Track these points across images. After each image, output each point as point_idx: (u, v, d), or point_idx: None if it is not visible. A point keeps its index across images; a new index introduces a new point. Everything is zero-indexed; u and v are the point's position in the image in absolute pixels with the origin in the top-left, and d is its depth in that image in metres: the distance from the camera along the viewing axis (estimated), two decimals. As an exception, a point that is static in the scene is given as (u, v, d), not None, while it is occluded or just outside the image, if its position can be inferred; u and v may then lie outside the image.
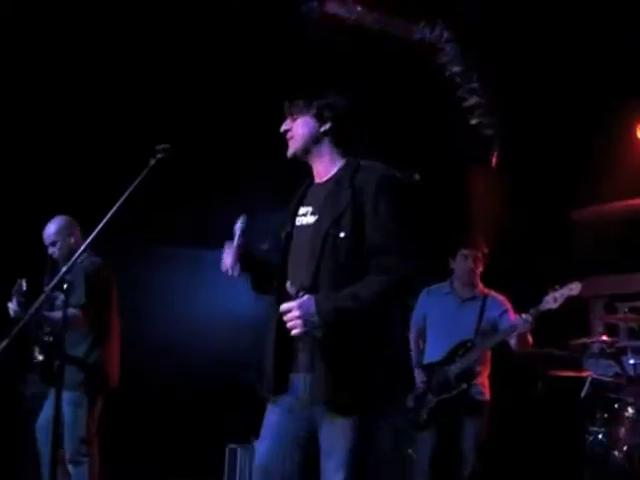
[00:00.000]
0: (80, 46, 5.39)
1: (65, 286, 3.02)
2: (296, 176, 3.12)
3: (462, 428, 4.52)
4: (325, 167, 2.88)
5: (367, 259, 2.66)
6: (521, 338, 4.46)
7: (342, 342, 2.60)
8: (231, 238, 2.89)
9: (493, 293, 4.72)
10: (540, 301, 4.30)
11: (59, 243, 4.69)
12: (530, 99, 5.68)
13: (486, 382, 4.65)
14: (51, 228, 4.72)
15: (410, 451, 4.96)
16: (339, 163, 2.86)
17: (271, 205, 6.96)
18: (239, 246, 2.86)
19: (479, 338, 4.54)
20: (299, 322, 2.55)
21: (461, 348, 4.54)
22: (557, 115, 5.68)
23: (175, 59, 5.59)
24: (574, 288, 4.22)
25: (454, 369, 4.51)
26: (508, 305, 4.65)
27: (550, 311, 4.28)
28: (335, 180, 2.82)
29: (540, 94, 5.64)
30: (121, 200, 2.86)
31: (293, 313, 2.56)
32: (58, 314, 4.34)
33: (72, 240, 4.70)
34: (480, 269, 4.73)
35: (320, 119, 2.85)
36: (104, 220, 2.87)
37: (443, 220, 6.07)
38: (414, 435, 4.73)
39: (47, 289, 3.16)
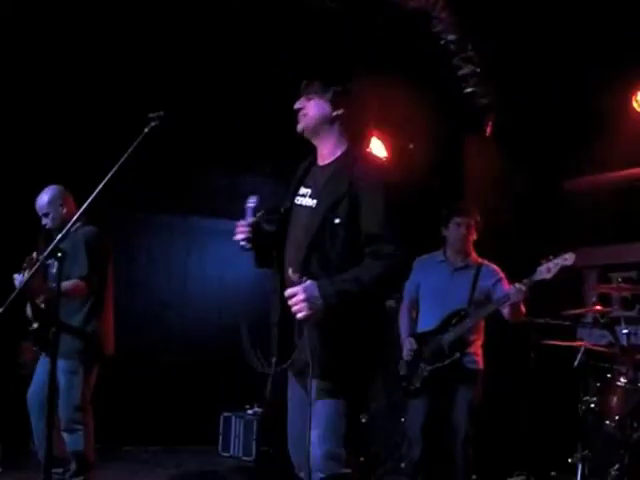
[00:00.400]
0: (77, 18, 5.33)
1: (59, 254, 3.00)
2: (291, 150, 3.16)
3: (455, 396, 4.55)
4: (330, 151, 3.00)
5: (364, 246, 2.81)
6: (514, 308, 4.47)
7: (336, 323, 2.77)
8: (242, 215, 3.00)
9: (486, 262, 4.73)
10: (534, 271, 4.29)
11: (52, 214, 4.65)
12: (526, 67, 5.65)
13: (479, 351, 4.67)
14: (44, 198, 4.67)
15: (402, 419, 4.99)
16: (342, 148, 2.99)
17: (262, 175, 7.01)
18: (250, 224, 2.97)
19: (472, 307, 4.54)
20: (304, 305, 2.68)
21: (454, 317, 4.55)
22: (553, 84, 5.65)
23: (170, 28, 5.54)
24: (568, 258, 4.22)
25: (447, 338, 4.52)
26: (502, 274, 4.66)
27: (544, 281, 4.28)
28: (336, 166, 2.96)
29: (536, 62, 5.61)
30: (115, 168, 2.84)
31: (298, 297, 2.69)
32: (66, 284, 4.37)
33: (65, 210, 4.67)
34: (473, 237, 4.73)
35: (334, 104, 2.96)
36: (98, 188, 2.86)
37: (437, 189, 6.07)
38: (406, 403, 4.75)
39: (41, 257, 3.14)
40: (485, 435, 4.76)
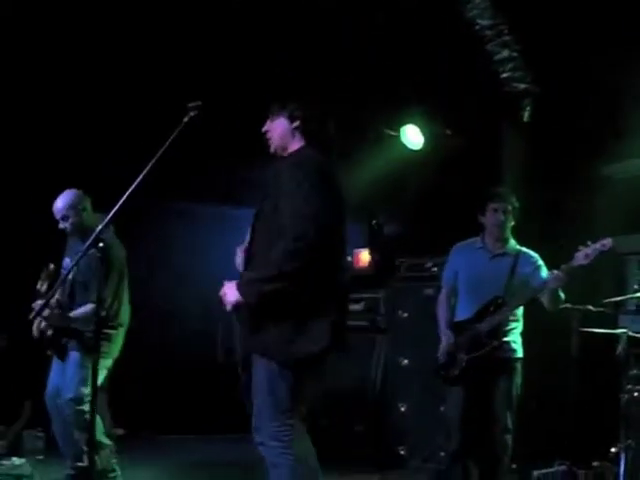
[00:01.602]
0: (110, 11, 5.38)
1: (101, 245, 3.03)
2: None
3: (494, 385, 4.54)
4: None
5: (280, 229, 3.15)
6: (553, 295, 4.44)
7: (264, 306, 3.16)
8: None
9: (525, 249, 4.70)
10: (572, 258, 4.26)
11: (71, 218, 4.64)
12: (563, 51, 5.58)
13: (518, 339, 4.65)
14: (62, 202, 4.66)
15: (442, 408, 4.99)
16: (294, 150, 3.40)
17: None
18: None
19: (510, 295, 4.51)
20: (226, 300, 3.21)
21: (492, 305, 4.54)
22: (591, 67, 5.58)
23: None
24: (606, 244, 4.19)
25: (484, 326, 4.51)
26: (540, 262, 4.63)
27: (582, 267, 4.24)
28: (280, 165, 3.37)
29: (573, 46, 5.53)
30: (155, 158, 2.87)
31: (223, 294, 3.22)
32: (81, 311, 4.51)
33: (83, 214, 4.66)
34: (511, 223, 4.70)
35: (291, 118, 3.38)
36: (138, 179, 2.88)
37: (474, 175, 6.03)
38: (445, 393, 4.74)
39: (81, 252, 3.17)
40: (525, 424, 4.74)
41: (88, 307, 4.53)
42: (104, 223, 3.13)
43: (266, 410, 3.18)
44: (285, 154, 3.42)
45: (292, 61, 5.76)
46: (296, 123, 3.39)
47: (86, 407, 4.48)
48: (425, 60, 5.79)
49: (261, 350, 3.20)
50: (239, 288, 3.17)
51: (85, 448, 4.58)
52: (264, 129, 3.44)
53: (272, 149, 3.44)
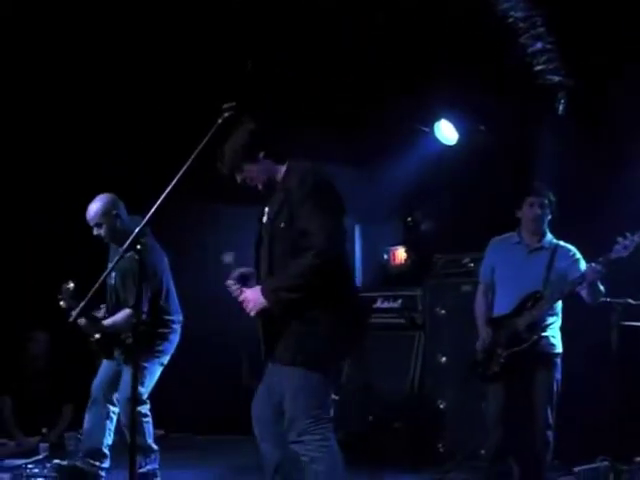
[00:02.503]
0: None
1: (139, 247, 3.08)
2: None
3: (533, 381, 4.53)
4: (279, 178, 3.53)
5: (299, 241, 3.30)
6: (592, 288, 4.41)
7: (291, 315, 3.32)
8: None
9: (562, 243, 4.67)
10: (610, 250, 4.22)
11: (105, 224, 4.61)
12: (597, 43, 5.52)
13: (557, 334, 4.62)
14: (95, 209, 4.61)
15: (483, 405, 4.97)
16: (282, 171, 3.53)
17: (336, 160, 7.03)
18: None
19: (548, 289, 4.49)
20: (251, 305, 3.35)
21: (530, 300, 4.53)
22: (625, 59, 5.51)
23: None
24: None
25: (523, 321, 4.51)
26: (578, 255, 4.61)
27: (621, 259, 4.21)
28: (280, 186, 3.49)
29: (608, 37, 5.47)
30: (191, 158, 2.91)
31: (246, 299, 3.36)
32: (118, 318, 4.60)
33: (118, 219, 4.63)
34: (548, 217, 4.67)
35: (252, 156, 3.48)
36: (175, 179, 2.92)
37: (509, 171, 6.00)
38: (483, 389, 4.73)
39: (121, 250, 3.22)
40: (567, 420, 4.70)
41: (124, 313, 4.60)
42: (141, 226, 3.17)
43: (301, 407, 3.32)
44: (277, 181, 3.52)
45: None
46: (261, 155, 3.49)
47: (142, 408, 4.57)
48: (458, 55, 5.77)
49: (293, 360, 3.34)
50: (265, 294, 3.32)
51: (105, 451, 4.70)
52: (240, 182, 3.54)
53: (261, 187, 3.54)
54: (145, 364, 4.58)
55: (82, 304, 3.69)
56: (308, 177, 3.40)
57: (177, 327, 4.83)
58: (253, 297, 3.35)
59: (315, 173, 3.44)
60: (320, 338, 3.31)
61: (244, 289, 3.42)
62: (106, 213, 4.62)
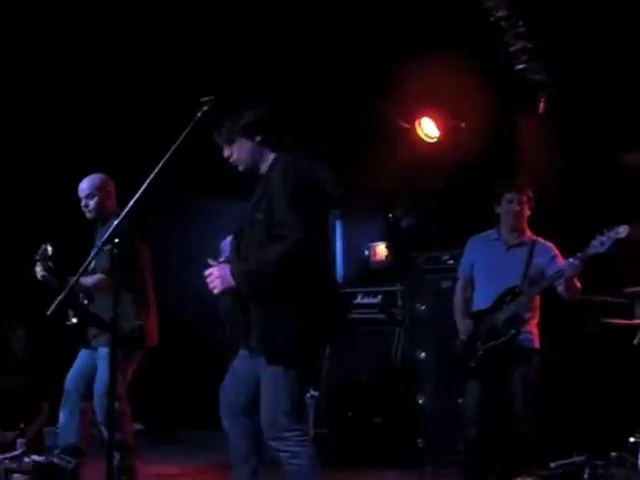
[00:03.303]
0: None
1: (117, 240, 3.07)
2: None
3: (511, 376, 4.56)
4: (266, 165, 3.51)
5: (276, 232, 3.28)
6: (569, 284, 4.44)
7: (266, 306, 3.30)
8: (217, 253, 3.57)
9: (541, 239, 4.70)
10: (588, 245, 4.25)
11: (96, 197, 4.65)
12: (578, 42, 5.55)
13: (535, 330, 4.67)
14: (91, 180, 4.69)
15: (460, 400, 4.99)
16: (270, 161, 3.50)
17: (317, 156, 7.01)
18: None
19: (526, 284, 4.52)
20: (218, 282, 3.27)
21: (508, 294, 4.56)
22: (607, 57, 5.55)
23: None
24: (621, 231, 4.19)
25: (502, 316, 4.54)
26: (556, 251, 4.64)
27: (598, 255, 4.23)
28: (263, 177, 3.49)
29: (589, 36, 5.50)
30: (169, 153, 2.90)
31: (213, 274, 3.28)
32: (88, 279, 4.50)
33: (109, 197, 4.70)
34: (526, 213, 4.71)
35: (250, 135, 3.46)
36: (154, 172, 2.91)
37: (491, 167, 6.02)
38: (463, 384, 4.74)
39: (99, 243, 3.21)
40: (544, 415, 4.73)
41: (97, 276, 4.53)
42: (119, 219, 3.16)
43: (281, 405, 3.32)
44: (261, 170, 3.51)
45: (292, 60, 5.78)
46: (258, 138, 3.47)
47: (117, 404, 4.53)
48: (440, 52, 5.78)
49: (273, 358, 3.33)
50: (234, 274, 3.26)
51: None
52: (226, 155, 3.51)
53: (242, 169, 3.52)
54: (121, 360, 4.54)
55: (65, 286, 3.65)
56: (290, 171, 3.39)
57: (151, 323, 4.79)
58: (220, 274, 3.28)
59: (298, 168, 3.43)
60: (291, 336, 3.29)
61: (212, 263, 3.37)
62: (101, 187, 4.68)
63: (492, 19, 5.83)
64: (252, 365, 3.44)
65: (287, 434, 3.32)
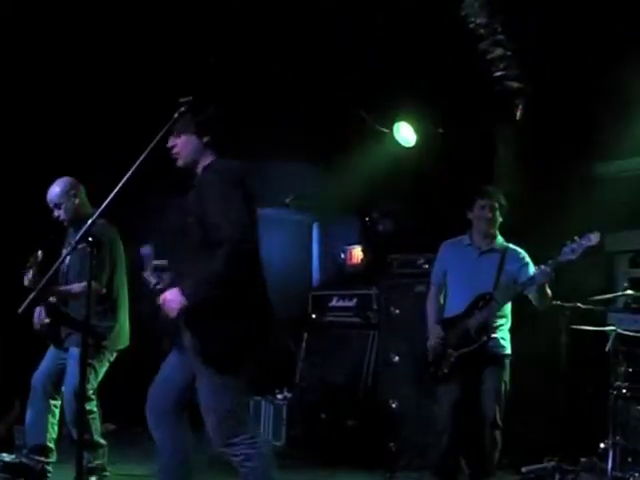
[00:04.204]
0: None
1: (90, 239, 3.05)
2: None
3: (482, 381, 4.59)
4: (199, 170, 3.53)
5: (210, 236, 3.30)
6: (540, 291, 4.48)
7: (199, 310, 3.29)
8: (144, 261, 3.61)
9: (512, 246, 4.74)
10: (559, 253, 4.28)
11: (65, 204, 4.66)
12: (555, 50, 5.60)
13: (507, 336, 4.69)
14: (55, 189, 4.68)
15: (434, 405, 5.00)
16: (206, 163, 3.52)
17: (295, 158, 7.01)
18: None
19: (498, 291, 4.54)
20: (173, 306, 3.28)
21: (480, 301, 4.58)
22: (584, 66, 5.60)
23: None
24: (592, 238, 4.23)
25: (473, 322, 4.56)
26: (528, 259, 4.68)
27: (569, 262, 4.27)
28: (198, 180, 3.50)
29: (566, 45, 5.55)
30: (143, 155, 2.90)
31: (166, 301, 3.29)
32: (75, 286, 4.54)
33: (77, 201, 4.70)
34: (498, 220, 4.73)
35: (200, 134, 3.48)
36: (130, 171, 2.90)
37: (467, 173, 6.05)
38: (435, 389, 4.76)
39: (73, 243, 3.19)
40: (515, 421, 4.76)
41: (76, 285, 4.56)
42: (94, 217, 3.15)
43: (222, 411, 3.34)
44: (197, 168, 3.52)
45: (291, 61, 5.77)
46: (206, 138, 3.50)
47: (88, 405, 4.51)
48: (418, 58, 5.81)
49: (212, 365, 3.34)
50: (185, 292, 3.27)
51: (51, 445, 4.65)
52: (169, 145, 3.50)
53: (180, 164, 3.53)
54: (91, 360, 4.53)
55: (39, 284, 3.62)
56: (220, 173, 3.42)
57: (122, 324, 4.80)
58: (173, 298, 3.29)
59: (228, 169, 3.46)
60: (221, 340, 3.31)
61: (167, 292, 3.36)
62: (65, 194, 4.67)
63: (471, 26, 5.86)
64: (190, 369, 3.43)
65: (234, 439, 3.32)
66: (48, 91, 6.04)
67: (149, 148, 2.90)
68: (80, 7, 5.39)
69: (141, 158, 2.91)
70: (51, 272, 3.27)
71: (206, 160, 3.52)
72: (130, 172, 2.94)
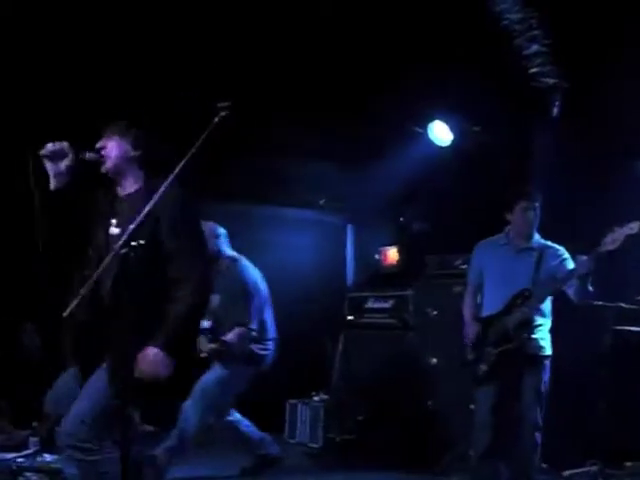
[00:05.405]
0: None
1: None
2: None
3: (522, 382, 4.58)
4: (130, 183, 3.48)
5: (167, 261, 3.29)
6: (580, 286, 4.42)
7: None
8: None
9: (550, 243, 4.72)
10: (600, 243, 4.23)
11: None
12: (592, 45, 5.53)
13: (547, 336, 4.66)
14: None
15: (471, 407, 4.98)
16: (140, 182, 3.48)
17: (329, 160, 7.00)
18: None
19: (537, 287, 4.51)
20: (163, 369, 3.25)
21: (518, 298, 4.57)
22: (619, 61, 5.53)
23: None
24: (633, 227, 4.20)
25: (513, 319, 4.55)
26: (566, 255, 4.64)
27: (609, 252, 4.22)
28: (137, 195, 3.40)
29: (603, 39, 5.49)
30: (185, 159, 2.90)
31: (152, 364, 3.22)
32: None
33: None
34: (537, 220, 4.70)
35: (134, 145, 3.45)
36: (169, 179, 2.91)
37: (503, 172, 6.01)
38: (474, 390, 4.73)
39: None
40: (557, 423, 4.72)
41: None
42: (134, 225, 3.12)
43: None
44: (123, 185, 3.47)
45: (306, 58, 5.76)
46: (137, 152, 3.47)
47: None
48: (452, 56, 5.77)
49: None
50: (165, 350, 3.24)
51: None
52: (99, 145, 3.45)
53: (104, 169, 3.45)
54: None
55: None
56: (182, 204, 3.36)
57: None
58: (156, 359, 3.24)
59: (182, 195, 3.37)
60: None
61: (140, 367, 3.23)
62: None
63: (506, 22, 5.81)
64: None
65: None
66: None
67: (189, 155, 2.91)
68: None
69: (181, 164, 2.92)
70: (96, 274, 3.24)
71: (135, 177, 3.47)
72: (169, 180, 2.95)
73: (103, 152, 3.43)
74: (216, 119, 3.01)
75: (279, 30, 5.61)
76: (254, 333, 5.27)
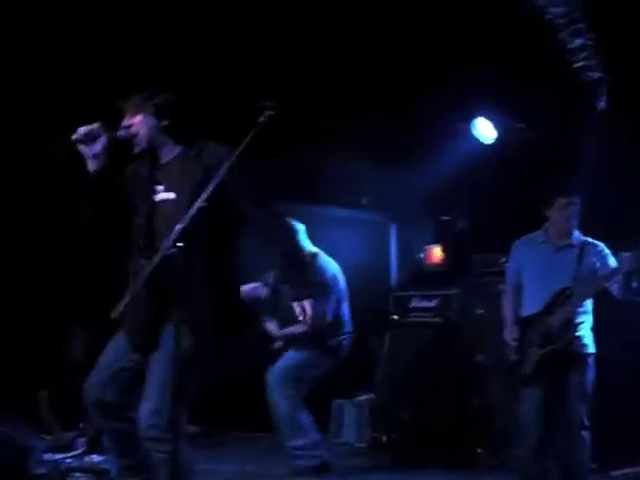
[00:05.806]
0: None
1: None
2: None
3: (567, 382, 4.55)
4: (168, 150, 3.41)
5: (241, 217, 3.32)
6: (624, 281, 4.37)
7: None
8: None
9: (590, 240, 4.66)
10: None
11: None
12: (637, 38, 5.46)
13: (589, 334, 4.63)
14: None
15: (518, 406, 4.95)
16: (177, 148, 3.40)
17: (372, 159, 7.01)
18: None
19: (579, 285, 4.47)
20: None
21: (560, 297, 4.53)
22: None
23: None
24: None
25: (557, 319, 4.52)
26: (607, 251, 4.61)
27: None
28: (181, 159, 3.37)
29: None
30: (233, 158, 2.94)
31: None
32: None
33: None
34: (577, 217, 4.65)
35: (159, 116, 3.36)
36: (217, 178, 2.95)
37: (549, 170, 5.96)
38: (520, 390, 4.71)
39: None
40: (605, 422, 4.67)
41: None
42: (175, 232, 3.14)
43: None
44: (161, 158, 3.40)
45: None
46: (165, 122, 3.38)
47: None
48: (495, 52, 5.75)
49: None
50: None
51: None
52: (125, 124, 3.37)
53: (138, 150, 3.39)
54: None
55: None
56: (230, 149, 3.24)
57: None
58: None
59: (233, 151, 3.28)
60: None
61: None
62: None
63: (549, 16, 5.77)
64: None
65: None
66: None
67: (235, 155, 2.94)
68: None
69: (228, 166, 2.95)
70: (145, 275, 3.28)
71: (170, 147, 3.40)
72: (215, 183, 2.98)
73: (129, 133, 3.36)
74: (262, 118, 3.03)
75: (327, 30, 5.64)
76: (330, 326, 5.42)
